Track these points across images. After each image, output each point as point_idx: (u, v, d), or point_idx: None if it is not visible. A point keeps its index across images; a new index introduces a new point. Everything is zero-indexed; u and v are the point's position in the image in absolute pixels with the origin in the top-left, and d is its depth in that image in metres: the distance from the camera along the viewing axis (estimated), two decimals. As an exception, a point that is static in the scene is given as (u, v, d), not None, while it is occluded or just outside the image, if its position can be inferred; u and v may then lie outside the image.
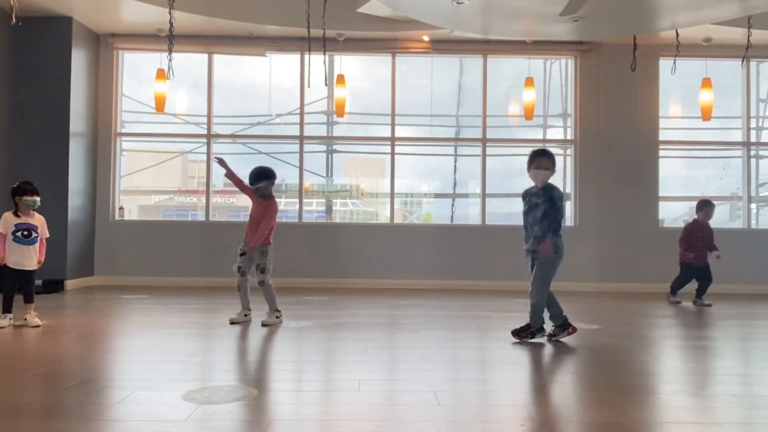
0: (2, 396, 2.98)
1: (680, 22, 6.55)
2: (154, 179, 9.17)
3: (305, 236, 8.29)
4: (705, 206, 6.99)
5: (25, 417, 2.68)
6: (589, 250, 8.12)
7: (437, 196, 9.35)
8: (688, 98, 8.44)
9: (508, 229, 7.98)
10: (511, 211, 8.31)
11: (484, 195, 8.42)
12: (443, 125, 9.02)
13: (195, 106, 8.66)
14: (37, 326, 4.80)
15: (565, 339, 4.50)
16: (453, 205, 9.19)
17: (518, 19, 6.60)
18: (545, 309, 4.48)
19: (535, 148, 4.71)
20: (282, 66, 8.76)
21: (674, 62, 6.59)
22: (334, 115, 8.39)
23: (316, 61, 6.27)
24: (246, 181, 5.23)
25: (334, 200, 9.24)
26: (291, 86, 8.58)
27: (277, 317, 5.11)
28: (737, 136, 8.61)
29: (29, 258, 4.92)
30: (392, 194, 8.50)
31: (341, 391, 3.18)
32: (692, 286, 6.91)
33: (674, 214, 8.84)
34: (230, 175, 5.22)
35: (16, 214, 4.91)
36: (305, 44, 6.10)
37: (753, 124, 8.61)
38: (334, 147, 9.04)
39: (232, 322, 5.06)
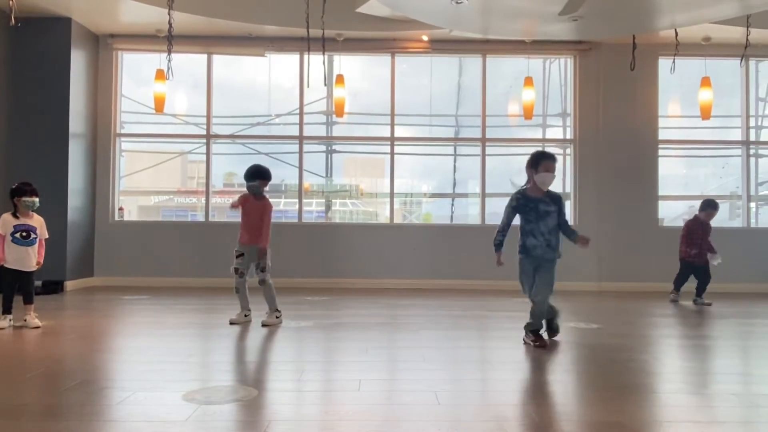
0: (3, 397, 2.98)
1: (679, 22, 6.56)
2: (153, 180, 9.16)
3: (305, 236, 8.29)
4: (709, 207, 6.95)
5: (25, 418, 2.69)
6: (589, 250, 8.07)
7: (437, 195, 9.35)
8: (687, 97, 8.44)
9: (507, 228, 7.97)
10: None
11: (483, 195, 8.42)
12: (442, 125, 9.01)
13: (194, 107, 8.65)
14: (37, 327, 4.80)
15: (565, 339, 4.51)
16: (453, 204, 9.19)
17: (517, 18, 6.59)
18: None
19: (539, 150, 4.60)
20: (281, 66, 8.76)
21: (673, 61, 6.60)
22: (334, 115, 8.38)
23: (316, 61, 6.28)
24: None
25: (333, 200, 9.24)
26: (290, 86, 8.58)
27: (277, 317, 5.11)
28: (736, 135, 8.61)
29: (28, 259, 4.92)
30: (392, 194, 8.51)
31: (341, 391, 3.18)
32: (692, 286, 6.92)
33: (674, 213, 8.84)
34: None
35: (15, 215, 4.90)
36: (304, 44, 6.10)
37: (752, 122, 8.62)
38: (334, 147, 9.03)
39: (232, 323, 5.06)
